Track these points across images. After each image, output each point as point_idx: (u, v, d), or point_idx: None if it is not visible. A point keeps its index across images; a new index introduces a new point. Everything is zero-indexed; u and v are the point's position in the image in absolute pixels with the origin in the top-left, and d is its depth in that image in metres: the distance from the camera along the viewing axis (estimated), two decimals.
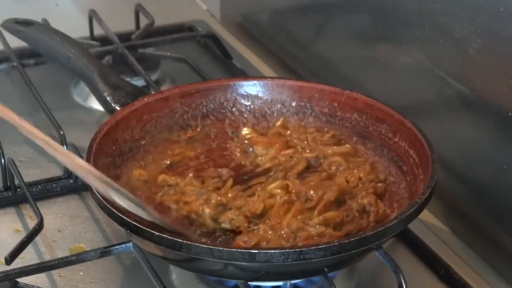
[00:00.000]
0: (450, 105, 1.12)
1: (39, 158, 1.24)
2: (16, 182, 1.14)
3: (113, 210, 0.91)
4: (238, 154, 1.13)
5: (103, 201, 0.93)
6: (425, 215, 1.12)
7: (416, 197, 0.94)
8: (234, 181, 1.06)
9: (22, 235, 1.02)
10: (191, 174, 1.06)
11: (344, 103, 1.14)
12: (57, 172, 1.19)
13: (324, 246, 0.86)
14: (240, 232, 0.98)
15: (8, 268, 0.96)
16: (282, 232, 0.95)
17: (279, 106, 1.18)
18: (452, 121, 1.12)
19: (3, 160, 1.14)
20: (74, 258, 0.97)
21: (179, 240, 0.87)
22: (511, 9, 0.98)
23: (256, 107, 1.18)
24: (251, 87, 1.18)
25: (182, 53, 1.48)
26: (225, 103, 1.18)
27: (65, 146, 1.16)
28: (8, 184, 1.15)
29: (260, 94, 1.18)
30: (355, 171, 1.05)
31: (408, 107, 1.14)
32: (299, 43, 1.46)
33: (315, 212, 0.97)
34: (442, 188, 1.02)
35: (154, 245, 0.89)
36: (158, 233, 0.88)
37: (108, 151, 1.05)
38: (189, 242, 0.86)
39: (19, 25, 1.30)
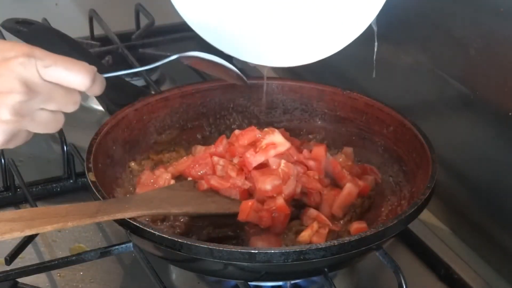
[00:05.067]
0: (450, 105, 1.12)
1: (39, 158, 1.24)
2: (16, 182, 1.14)
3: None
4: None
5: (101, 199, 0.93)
6: (425, 215, 1.11)
7: (416, 197, 0.94)
8: None
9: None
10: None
11: (344, 103, 1.14)
12: (57, 172, 1.19)
13: (324, 246, 0.86)
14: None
15: (8, 268, 0.96)
16: None
17: (279, 106, 1.18)
18: (452, 121, 1.12)
19: (3, 160, 1.14)
20: (74, 258, 0.97)
21: (179, 240, 0.87)
22: (511, 9, 0.98)
23: (256, 107, 1.18)
24: (251, 87, 1.18)
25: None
26: (225, 103, 1.17)
27: (65, 147, 1.16)
28: (8, 184, 1.15)
29: (260, 95, 1.18)
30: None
31: (408, 107, 1.14)
32: None
33: None
34: (442, 188, 1.02)
35: (154, 245, 0.89)
36: (158, 233, 0.88)
37: (108, 151, 1.05)
38: (189, 242, 0.86)
39: (19, 25, 1.30)
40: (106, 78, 0.89)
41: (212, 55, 0.98)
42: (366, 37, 1.12)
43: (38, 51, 0.81)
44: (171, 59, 0.97)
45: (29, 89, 0.79)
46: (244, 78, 1.03)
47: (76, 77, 0.82)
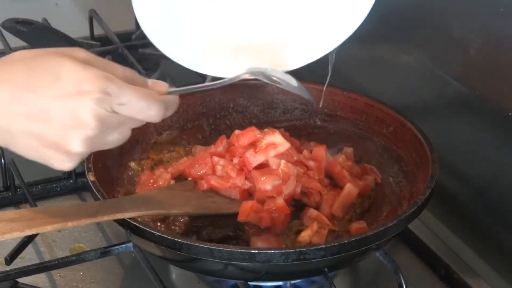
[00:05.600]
0: (450, 105, 1.12)
1: None
2: (16, 182, 1.14)
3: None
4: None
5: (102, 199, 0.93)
6: (425, 215, 1.11)
7: (416, 197, 0.94)
8: None
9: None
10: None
11: (344, 103, 1.14)
12: (57, 172, 1.19)
13: (324, 246, 0.86)
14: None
15: (8, 268, 0.96)
16: None
17: (279, 106, 1.18)
18: (452, 121, 1.12)
19: (3, 160, 1.14)
20: (74, 258, 0.97)
21: (179, 240, 0.87)
22: (511, 9, 0.98)
23: (256, 107, 1.18)
24: (251, 87, 1.18)
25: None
26: (225, 103, 1.17)
27: None
28: (8, 184, 1.15)
29: (260, 94, 1.18)
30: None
31: (408, 107, 1.14)
32: None
33: None
34: (442, 188, 1.02)
35: (154, 245, 0.89)
36: (158, 233, 0.88)
37: (109, 151, 1.05)
38: (189, 242, 0.86)
39: (19, 25, 1.30)
40: None
41: (279, 71, 0.98)
42: (366, 37, 1.12)
43: (113, 86, 0.79)
44: (241, 74, 0.97)
45: (101, 124, 0.79)
46: (309, 94, 1.01)
47: (149, 113, 0.83)
